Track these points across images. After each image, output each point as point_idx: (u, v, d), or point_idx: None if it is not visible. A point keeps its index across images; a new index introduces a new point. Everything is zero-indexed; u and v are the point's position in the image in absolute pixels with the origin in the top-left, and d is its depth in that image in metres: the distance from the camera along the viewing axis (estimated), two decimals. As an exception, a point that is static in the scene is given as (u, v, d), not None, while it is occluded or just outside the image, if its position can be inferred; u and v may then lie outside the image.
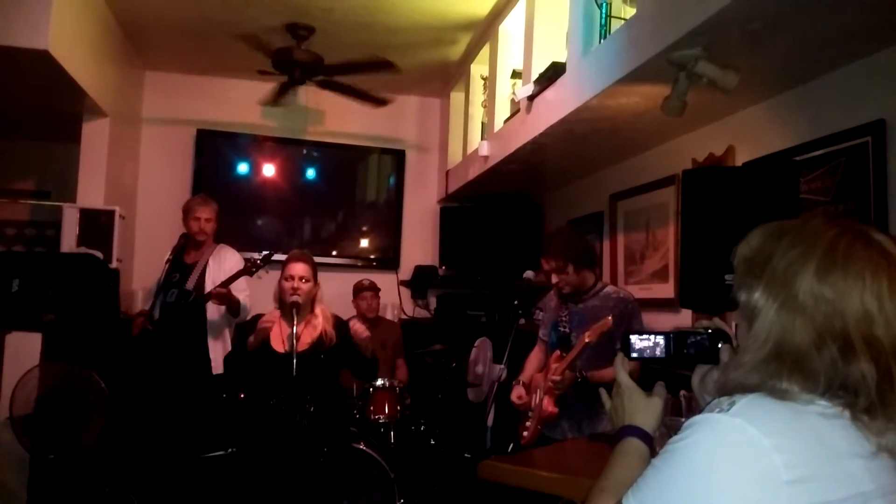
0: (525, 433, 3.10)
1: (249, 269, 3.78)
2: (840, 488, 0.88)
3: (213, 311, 3.95)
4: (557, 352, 3.11)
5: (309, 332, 3.19)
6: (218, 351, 3.93)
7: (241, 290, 3.90)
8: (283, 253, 3.61)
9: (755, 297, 0.98)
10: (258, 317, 3.30)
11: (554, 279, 3.08)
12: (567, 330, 3.10)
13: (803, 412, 0.91)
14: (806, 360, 0.92)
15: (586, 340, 2.89)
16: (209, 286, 3.90)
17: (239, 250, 4.19)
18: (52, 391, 3.27)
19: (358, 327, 3.19)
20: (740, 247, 1.04)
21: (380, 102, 5.00)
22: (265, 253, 3.83)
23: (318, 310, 3.26)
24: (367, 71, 4.74)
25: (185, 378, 3.83)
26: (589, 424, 2.98)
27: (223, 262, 4.01)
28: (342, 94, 4.93)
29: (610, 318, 2.86)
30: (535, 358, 3.34)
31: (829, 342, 0.92)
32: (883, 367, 0.90)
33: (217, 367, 3.89)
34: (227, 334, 4.00)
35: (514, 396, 3.18)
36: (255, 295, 4.00)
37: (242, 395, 3.81)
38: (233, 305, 3.84)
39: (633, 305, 3.07)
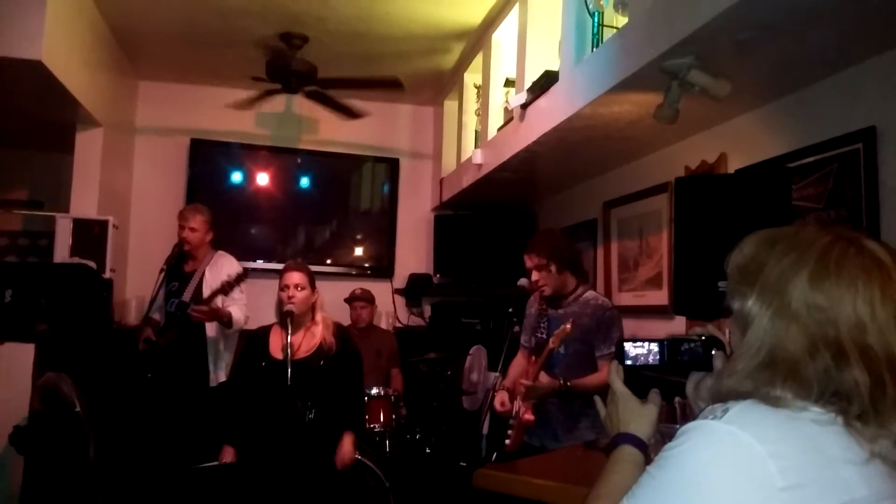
0: (508, 441, 3.08)
1: (224, 289, 3.73)
2: (834, 494, 0.88)
3: (210, 324, 3.89)
4: (532, 358, 3.08)
5: (309, 341, 3.20)
6: (215, 363, 3.89)
7: (235, 299, 3.85)
8: (278, 262, 3.59)
9: (748, 304, 0.99)
10: (260, 329, 3.31)
11: (534, 277, 3.02)
12: (544, 336, 3.06)
13: (796, 419, 0.92)
14: (799, 368, 0.93)
15: (551, 346, 2.88)
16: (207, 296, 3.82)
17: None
18: (40, 404, 3.25)
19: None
20: (733, 254, 1.05)
21: (355, 115, 5.06)
22: (241, 271, 3.84)
23: (318, 317, 3.27)
24: (372, 87, 4.75)
25: (184, 391, 3.77)
26: (565, 433, 2.96)
27: (220, 272, 3.91)
28: (326, 106, 4.97)
29: (569, 325, 2.84)
30: (518, 364, 3.29)
31: (822, 350, 0.92)
32: (875, 374, 0.90)
33: (214, 379, 3.86)
34: (223, 346, 3.92)
35: (497, 403, 3.13)
36: (257, 307, 3.98)
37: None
38: (221, 319, 3.78)
39: (611, 312, 2.99)
